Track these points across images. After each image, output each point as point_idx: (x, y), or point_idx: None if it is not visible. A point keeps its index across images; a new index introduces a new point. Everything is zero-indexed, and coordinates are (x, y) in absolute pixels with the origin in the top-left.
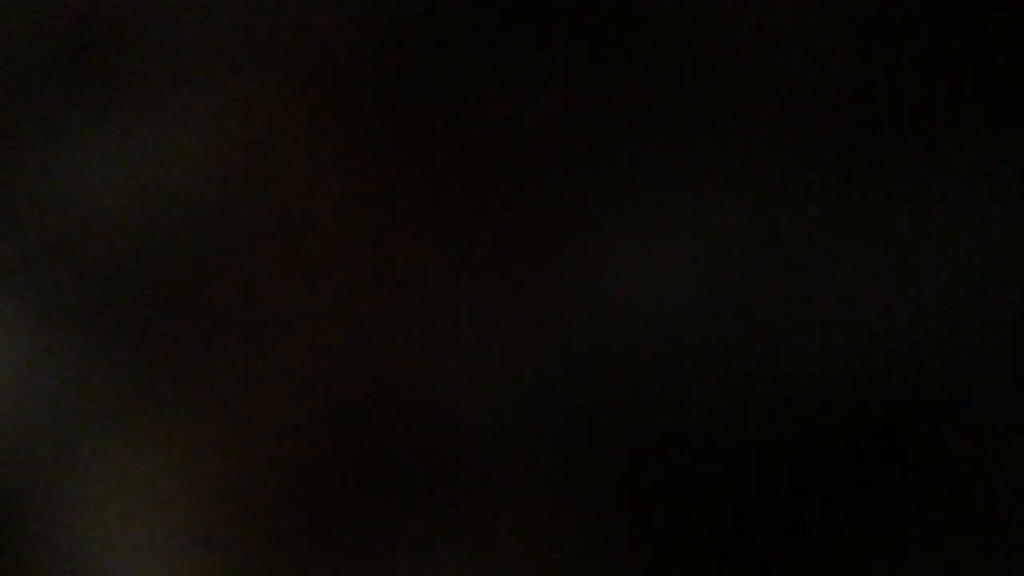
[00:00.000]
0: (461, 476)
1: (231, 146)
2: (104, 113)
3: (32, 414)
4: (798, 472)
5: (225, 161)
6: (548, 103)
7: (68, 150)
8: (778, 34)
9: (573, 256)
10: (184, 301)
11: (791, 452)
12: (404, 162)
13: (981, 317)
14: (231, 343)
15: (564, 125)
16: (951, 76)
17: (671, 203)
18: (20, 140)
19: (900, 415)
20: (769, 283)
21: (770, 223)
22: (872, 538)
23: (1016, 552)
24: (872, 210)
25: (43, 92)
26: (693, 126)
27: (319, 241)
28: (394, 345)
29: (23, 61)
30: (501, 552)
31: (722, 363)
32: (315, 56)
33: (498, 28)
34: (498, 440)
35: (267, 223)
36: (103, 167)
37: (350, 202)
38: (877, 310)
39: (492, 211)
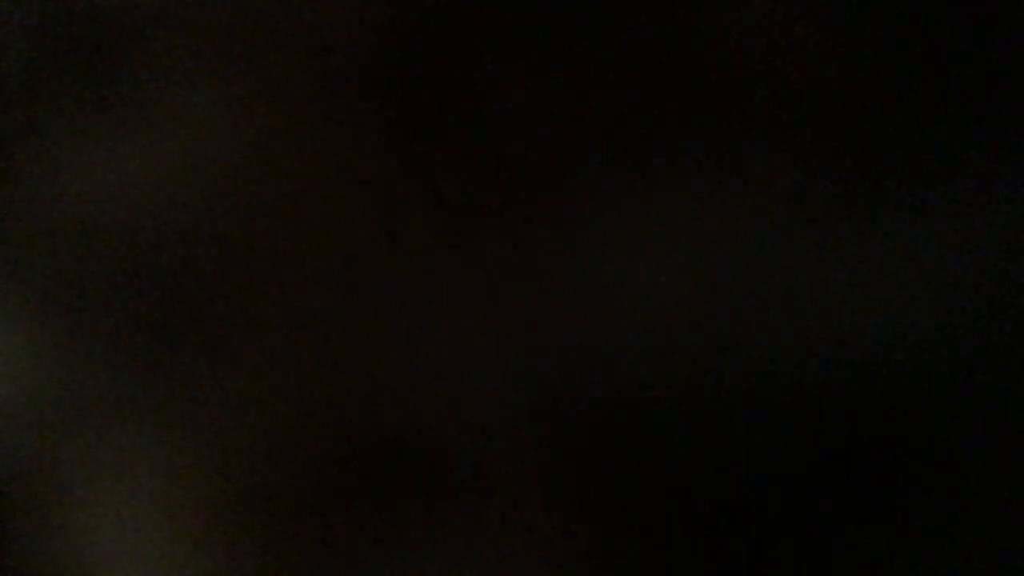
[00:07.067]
0: (462, 475)
1: (232, 146)
2: (104, 113)
3: (32, 414)
4: (793, 472)
5: (226, 161)
6: (543, 103)
7: (68, 150)
8: (776, 35)
9: (573, 256)
10: (184, 301)
11: (787, 452)
12: (402, 163)
13: (980, 317)
14: (230, 343)
15: (560, 125)
16: (949, 76)
17: (666, 203)
18: (21, 140)
19: (897, 415)
20: (766, 283)
21: (766, 223)
22: (870, 538)
23: (1016, 552)
24: (872, 210)
25: (43, 92)
26: (688, 126)
27: (318, 241)
28: (394, 345)
29: (24, 61)
30: (501, 551)
31: (722, 362)
32: (316, 56)
33: (497, 29)
34: (499, 439)
35: (267, 223)
36: (103, 167)
37: (349, 202)
38: (875, 309)
39: (491, 211)
